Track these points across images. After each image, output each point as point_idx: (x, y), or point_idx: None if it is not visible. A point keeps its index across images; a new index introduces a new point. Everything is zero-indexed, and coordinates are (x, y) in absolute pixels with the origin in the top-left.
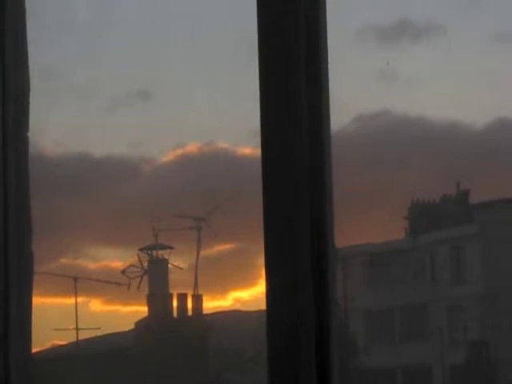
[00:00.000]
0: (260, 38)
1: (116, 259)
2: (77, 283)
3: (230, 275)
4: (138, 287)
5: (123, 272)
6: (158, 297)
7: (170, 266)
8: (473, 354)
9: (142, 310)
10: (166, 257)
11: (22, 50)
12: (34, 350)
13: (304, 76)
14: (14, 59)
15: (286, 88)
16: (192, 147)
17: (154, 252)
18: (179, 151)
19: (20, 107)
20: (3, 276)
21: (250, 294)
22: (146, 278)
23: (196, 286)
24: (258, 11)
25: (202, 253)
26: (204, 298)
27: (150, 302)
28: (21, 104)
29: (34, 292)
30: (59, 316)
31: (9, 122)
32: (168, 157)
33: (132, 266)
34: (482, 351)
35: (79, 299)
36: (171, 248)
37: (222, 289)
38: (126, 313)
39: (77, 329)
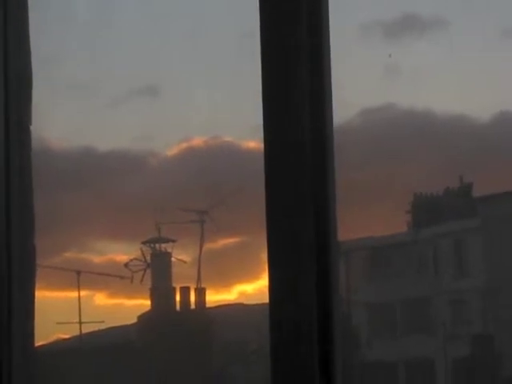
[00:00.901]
0: (262, 35)
1: (121, 253)
2: (80, 277)
3: (234, 269)
4: (141, 280)
5: (126, 265)
6: (160, 290)
7: (173, 259)
8: (476, 348)
9: (147, 303)
10: (169, 250)
11: (24, 44)
12: (38, 344)
13: (307, 73)
14: (16, 54)
15: (289, 85)
16: (197, 141)
17: (157, 245)
18: (184, 145)
19: (22, 101)
20: (6, 269)
21: (254, 288)
22: (149, 271)
23: (199, 279)
24: (261, 8)
25: (206, 246)
26: (208, 292)
27: (153, 295)
28: (23, 98)
29: (39, 286)
30: (64, 310)
31: (12, 116)
32: (173, 151)
33: (135, 259)
34: (486, 344)
35: (84, 293)
36: (174, 241)
37: (226, 282)
38: (131, 306)
39: (80, 322)
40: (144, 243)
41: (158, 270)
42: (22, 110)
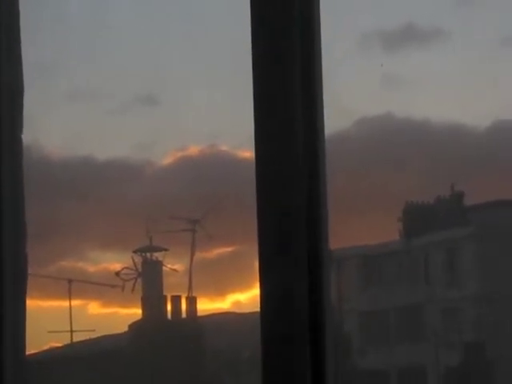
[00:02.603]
0: (254, 42)
1: (115, 262)
2: (72, 286)
3: (227, 277)
4: (132, 290)
5: (117, 274)
6: (152, 299)
7: (164, 268)
8: (468, 356)
9: (140, 312)
10: (161, 259)
11: (15, 51)
12: (31, 352)
13: (298, 83)
14: (7, 61)
15: (280, 92)
16: (193, 150)
17: (148, 254)
18: (179, 154)
19: (14, 109)
20: None
21: (247, 297)
22: (141, 280)
23: (190, 288)
24: (252, 22)
25: (199, 255)
26: (202, 301)
27: (144, 304)
28: (14, 106)
29: (34, 294)
30: (58, 318)
31: (3, 124)
32: (168, 160)
33: (126, 268)
34: (477, 352)
35: (78, 302)
36: (165, 250)
37: (220, 291)
38: (124, 315)
39: (71, 331)
40: (135, 252)
41: (149, 278)
42: (13, 118)
